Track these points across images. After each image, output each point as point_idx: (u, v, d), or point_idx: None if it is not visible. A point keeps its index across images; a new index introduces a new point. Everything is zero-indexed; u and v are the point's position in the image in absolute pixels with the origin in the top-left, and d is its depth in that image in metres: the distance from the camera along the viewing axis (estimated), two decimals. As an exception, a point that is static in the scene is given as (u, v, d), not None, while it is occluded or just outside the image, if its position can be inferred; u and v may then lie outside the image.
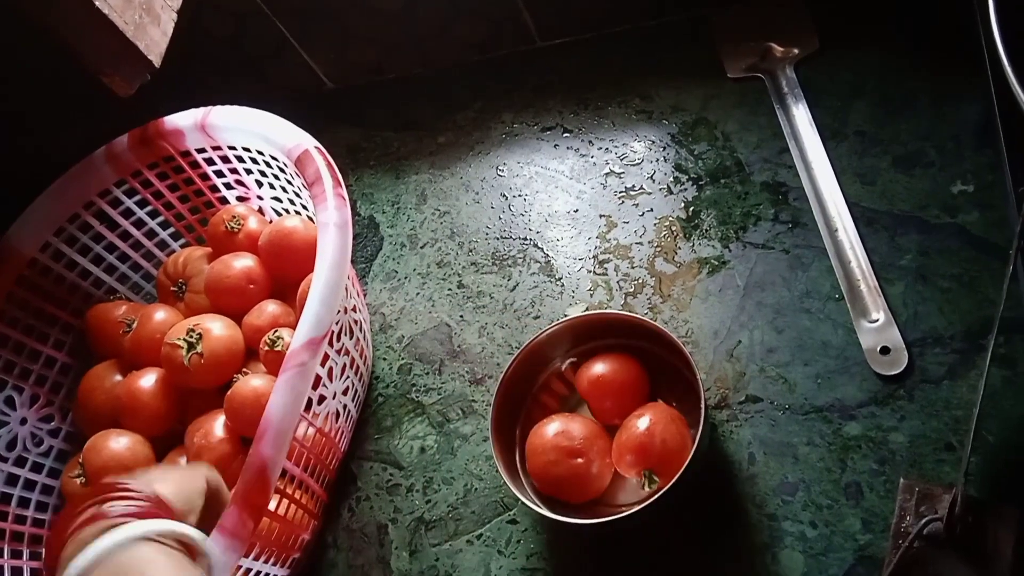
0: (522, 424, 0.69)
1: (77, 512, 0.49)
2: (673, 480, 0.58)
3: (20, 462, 0.79)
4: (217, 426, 0.73)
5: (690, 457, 0.58)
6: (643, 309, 0.73)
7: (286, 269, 0.80)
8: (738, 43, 0.81)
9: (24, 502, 0.78)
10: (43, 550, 0.86)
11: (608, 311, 0.72)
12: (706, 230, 0.74)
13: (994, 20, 0.47)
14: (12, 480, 0.78)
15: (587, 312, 0.71)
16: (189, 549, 0.49)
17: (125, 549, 0.46)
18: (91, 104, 0.86)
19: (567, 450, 0.63)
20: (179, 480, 0.54)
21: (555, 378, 0.71)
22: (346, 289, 0.68)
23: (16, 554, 0.76)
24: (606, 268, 0.76)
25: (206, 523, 0.56)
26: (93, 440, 0.76)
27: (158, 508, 0.50)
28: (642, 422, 0.63)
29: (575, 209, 0.81)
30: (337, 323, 0.67)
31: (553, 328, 0.68)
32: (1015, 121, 0.56)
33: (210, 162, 0.83)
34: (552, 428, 0.65)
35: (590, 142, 0.83)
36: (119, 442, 0.75)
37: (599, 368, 0.67)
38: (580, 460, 0.63)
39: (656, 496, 0.58)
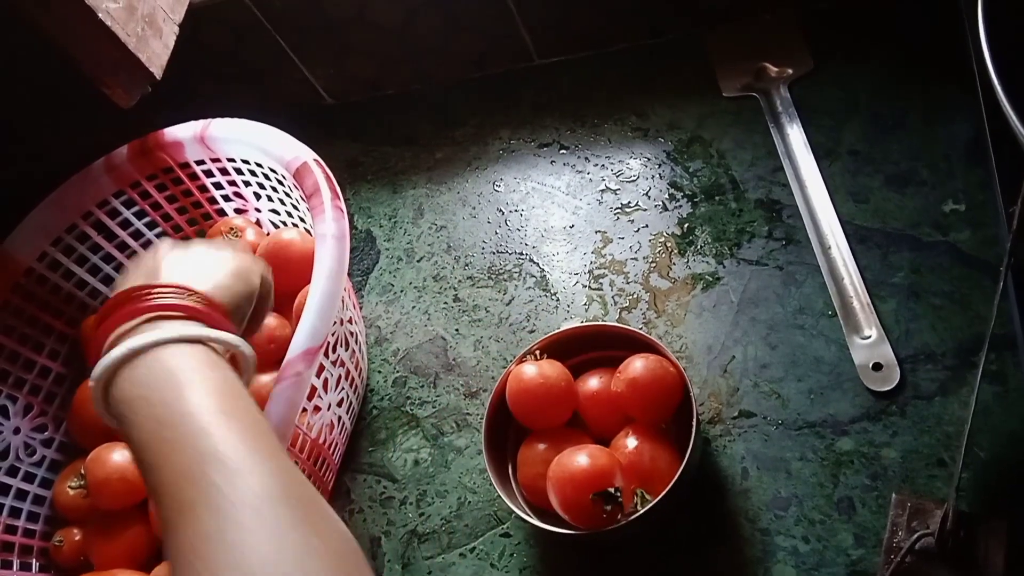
0: (515, 436, 0.69)
1: (121, 299, 0.45)
2: (661, 495, 0.58)
3: (12, 472, 0.79)
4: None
5: (679, 474, 0.58)
6: (638, 324, 0.73)
7: (283, 281, 0.79)
8: (733, 62, 0.82)
9: (15, 512, 0.78)
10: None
11: (604, 323, 0.72)
12: (700, 246, 0.75)
13: (984, 41, 0.48)
14: (4, 490, 0.78)
15: (582, 324, 0.71)
16: (234, 360, 0.45)
17: (165, 349, 0.42)
18: (91, 114, 0.87)
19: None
20: (233, 282, 0.51)
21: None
22: (342, 301, 0.69)
23: (7, 564, 0.75)
24: (601, 283, 0.77)
25: (248, 329, 0.52)
26: (96, 452, 0.75)
27: (209, 308, 0.47)
28: (631, 440, 0.63)
29: (571, 225, 0.81)
30: (333, 334, 0.67)
31: (548, 339, 0.68)
32: (1005, 141, 0.57)
33: (209, 174, 0.84)
34: (543, 442, 0.65)
35: (586, 159, 0.84)
36: (124, 454, 0.75)
37: (594, 383, 0.67)
38: None
39: (645, 509, 0.58)
